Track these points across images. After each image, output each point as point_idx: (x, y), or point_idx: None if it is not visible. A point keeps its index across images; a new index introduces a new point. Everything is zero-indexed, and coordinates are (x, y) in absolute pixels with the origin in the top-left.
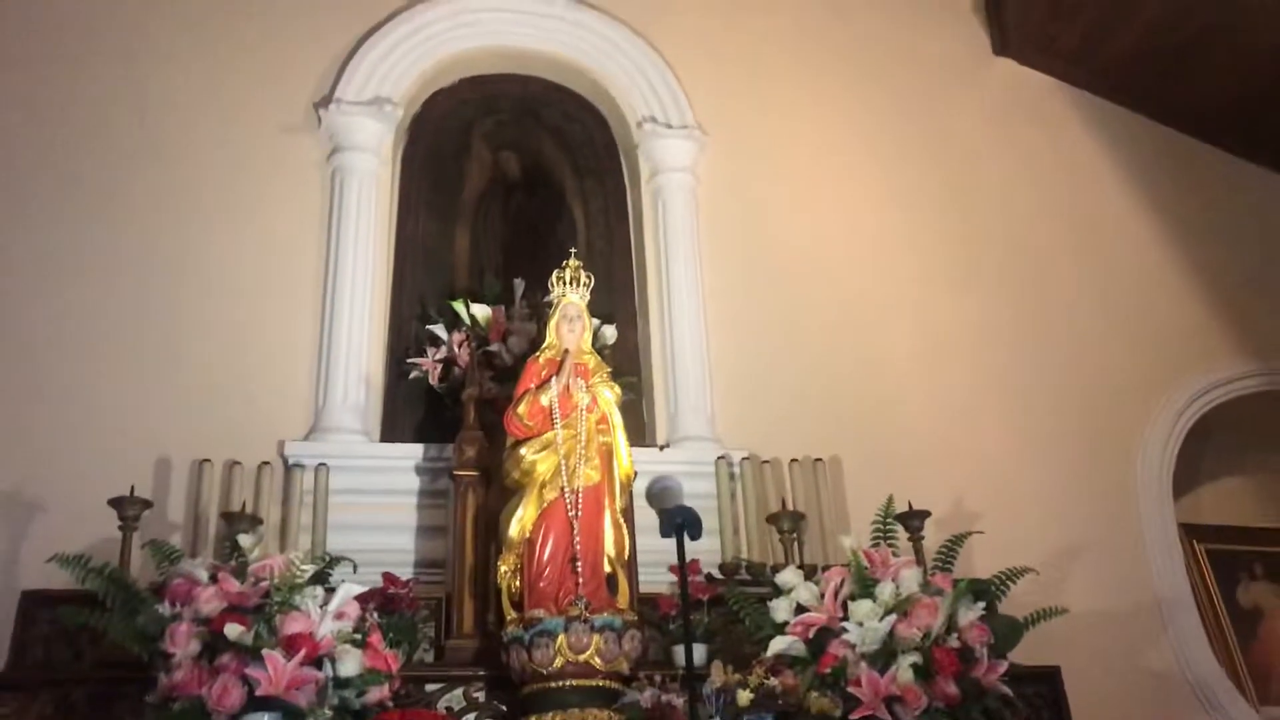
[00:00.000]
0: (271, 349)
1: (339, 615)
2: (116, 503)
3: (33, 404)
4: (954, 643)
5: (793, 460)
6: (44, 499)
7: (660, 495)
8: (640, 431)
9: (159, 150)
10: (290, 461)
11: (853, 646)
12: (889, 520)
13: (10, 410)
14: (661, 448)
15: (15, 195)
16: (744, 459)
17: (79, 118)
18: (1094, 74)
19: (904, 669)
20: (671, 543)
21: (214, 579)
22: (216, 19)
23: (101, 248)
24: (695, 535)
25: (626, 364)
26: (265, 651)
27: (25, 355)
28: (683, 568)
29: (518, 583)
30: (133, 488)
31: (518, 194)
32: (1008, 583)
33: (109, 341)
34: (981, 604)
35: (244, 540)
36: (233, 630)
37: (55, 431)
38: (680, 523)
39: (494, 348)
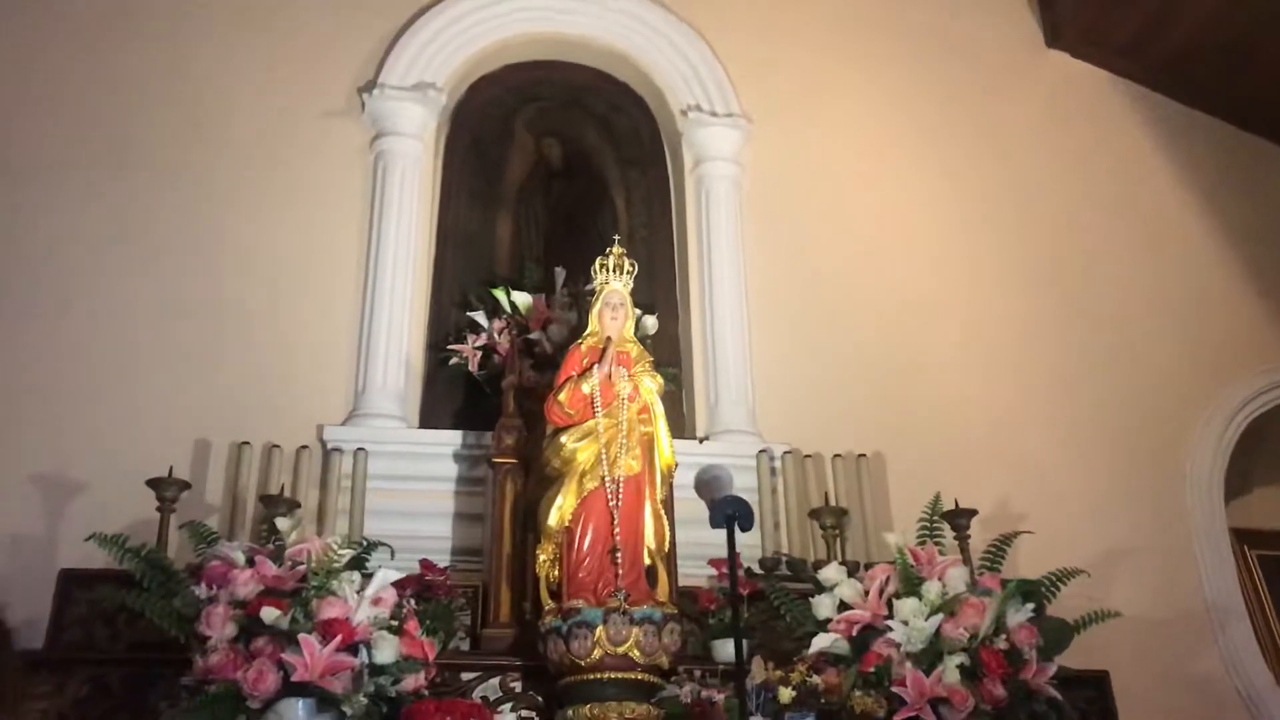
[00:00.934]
0: (312, 333)
1: (376, 601)
2: (155, 483)
3: (73, 385)
4: (1002, 644)
5: (836, 456)
6: (83, 479)
7: (710, 485)
8: (680, 424)
9: (201, 134)
10: (329, 446)
11: (897, 646)
12: (935, 518)
13: (51, 391)
14: (701, 440)
15: (56, 178)
16: (785, 453)
17: (122, 100)
18: (1147, 68)
19: (950, 670)
20: (711, 535)
21: (251, 562)
22: (260, 3)
23: (143, 230)
24: (747, 526)
25: (667, 355)
26: (301, 636)
27: (66, 337)
28: (733, 560)
29: (556, 572)
30: (171, 469)
31: (559, 182)
32: (1058, 584)
33: (149, 324)
34: (1030, 605)
35: (281, 523)
36: (269, 614)
37: (95, 413)
38: (732, 514)
39: (534, 336)
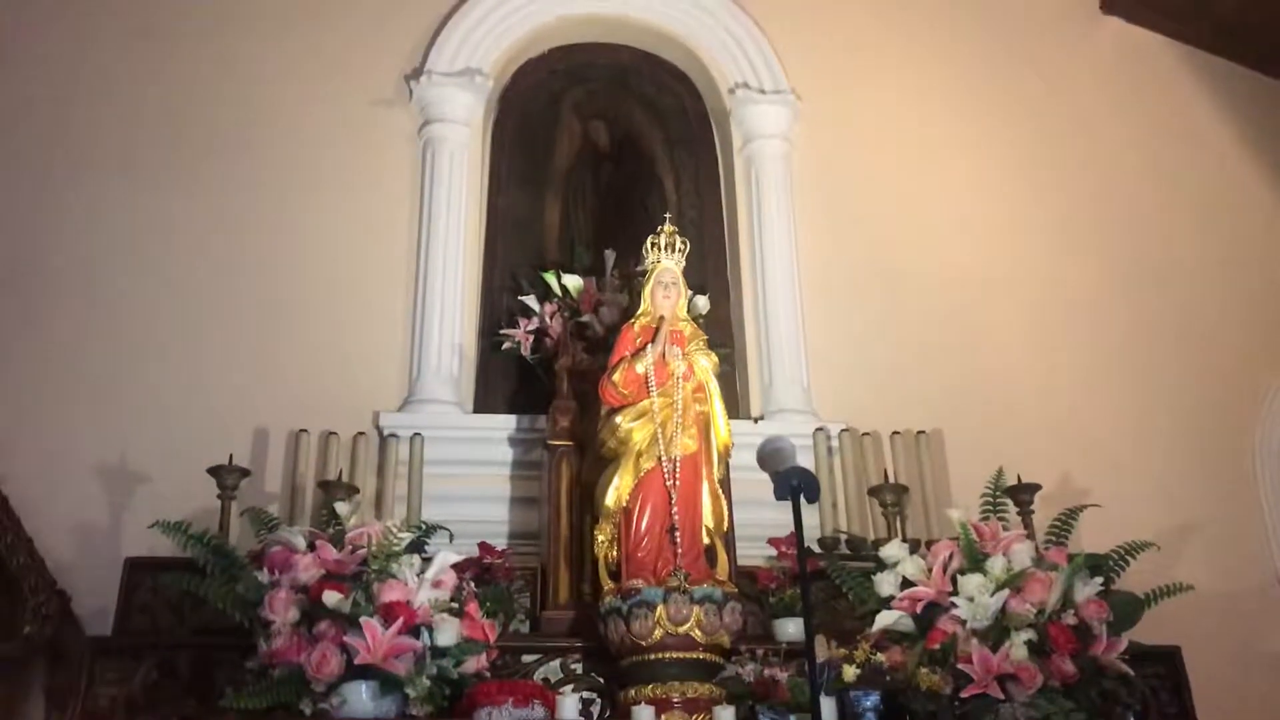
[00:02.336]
0: (365, 320)
1: (436, 584)
2: (216, 471)
3: (134, 376)
4: (1070, 619)
5: (894, 433)
6: (146, 469)
7: (773, 456)
8: (734, 404)
9: (252, 123)
10: (385, 432)
11: (963, 622)
12: (998, 493)
13: (112, 382)
14: (756, 420)
15: (111, 168)
16: (842, 431)
17: (173, 92)
18: (1207, 30)
19: (1017, 646)
20: (767, 515)
21: (312, 546)
22: None
23: (197, 221)
24: (813, 498)
25: (719, 335)
26: (363, 619)
27: (124, 327)
28: (800, 532)
29: (614, 553)
30: (231, 456)
31: (608, 164)
32: (1127, 558)
33: (206, 314)
34: (1099, 579)
35: (341, 508)
36: (331, 598)
37: (156, 403)
38: (797, 485)
39: (585, 319)
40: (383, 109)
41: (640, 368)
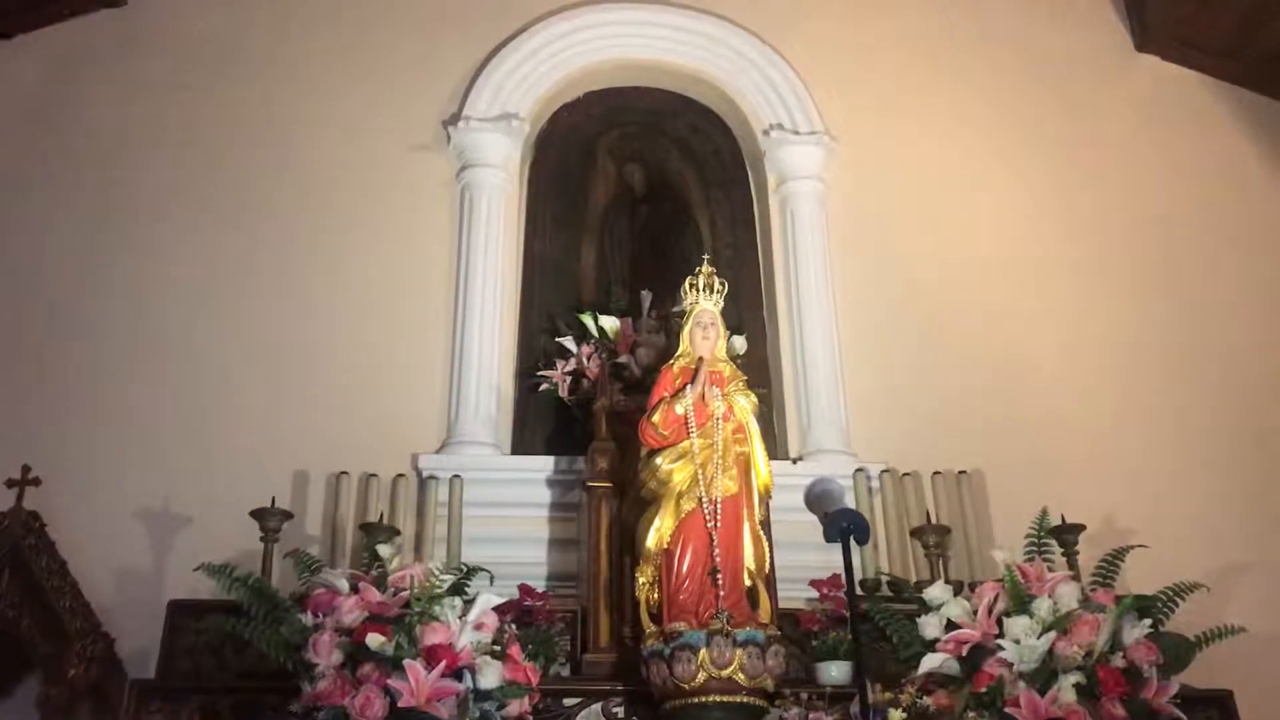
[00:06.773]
0: (404, 363)
1: (478, 626)
2: (258, 514)
3: (176, 420)
4: (1119, 662)
5: (935, 473)
6: (189, 511)
7: (822, 498)
8: (772, 445)
9: (292, 172)
10: (424, 474)
11: (1010, 665)
12: (1043, 534)
13: (155, 427)
14: (795, 461)
15: (151, 216)
16: (883, 472)
17: (213, 140)
18: (1245, 67)
19: (1066, 689)
20: (808, 557)
21: (355, 589)
22: (344, 43)
23: (238, 267)
24: (863, 540)
25: (756, 376)
26: (406, 662)
27: (167, 372)
28: (850, 575)
29: (655, 595)
30: (273, 499)
31: (643, 206)
32: (1175, 599)
33: (247, 358)
34: (1147, 621)
35: (383, 550)
36: (374, 640)
37: (197, 448)
38: (847, 526)
39: (623, 360)
40: (421, 154)
41: (680, 409)
